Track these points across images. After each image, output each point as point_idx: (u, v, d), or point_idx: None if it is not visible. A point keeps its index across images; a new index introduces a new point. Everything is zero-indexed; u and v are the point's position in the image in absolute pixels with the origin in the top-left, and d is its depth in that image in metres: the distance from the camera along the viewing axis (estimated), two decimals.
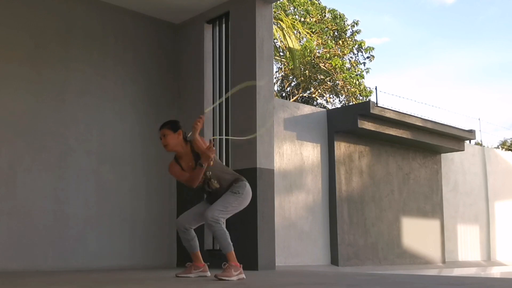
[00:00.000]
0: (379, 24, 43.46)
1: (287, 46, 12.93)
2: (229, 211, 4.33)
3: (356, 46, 17.63)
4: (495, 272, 10.88)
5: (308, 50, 15.27)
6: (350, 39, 17.58)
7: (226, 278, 4.12)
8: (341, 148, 9.48)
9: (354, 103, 16.76)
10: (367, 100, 15.54)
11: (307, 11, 17.01)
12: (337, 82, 16.95)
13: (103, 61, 6.60)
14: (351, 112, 9.44)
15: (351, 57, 17.68)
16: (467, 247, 12.29)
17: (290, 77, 17.58)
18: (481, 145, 16.69)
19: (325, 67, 16.58)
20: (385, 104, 10.87)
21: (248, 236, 5.97)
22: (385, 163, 10.33)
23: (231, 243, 4.29)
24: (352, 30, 17.78)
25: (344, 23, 17.51)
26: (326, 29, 16.95)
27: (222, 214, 4.28)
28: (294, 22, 15.01)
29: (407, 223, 10.59)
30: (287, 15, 16.52)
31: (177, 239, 6.88)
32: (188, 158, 4.42)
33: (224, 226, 4.31)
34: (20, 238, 5.70)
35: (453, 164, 12.11)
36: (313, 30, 16.41)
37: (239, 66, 6.41)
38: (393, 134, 9.91)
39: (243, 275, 4.28)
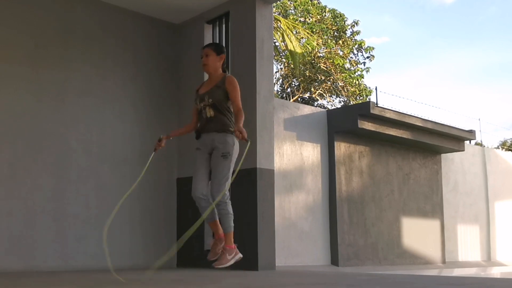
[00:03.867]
0: (379, 23, 43.48)
1: (287, 47, 12.93)
2: (230, 176, 4.21)
3: (356, 46, 17.63)
4: (495, 272, 10.87)
5: (310, 48, 15.26)
6: (350, 39, 17.59)
7: (223, 266, 4.16)
8: (341, 148, 9.48)
9: (354, 103, 16.76)
10: (367, 100, 15.54)
11: (308, 11, 17.02)
12: (337, 82, 16.95)
13: (103, 61, 6.60)
14: (351, 112, 9.45)
15: (351, 57, 17.69)
16: (467, 247, 12.29)
17: (290, 76, 17.57)
18: (481, 145, 16.69)
19: (325, 67, 16.58)
20: (385, 104, 10.88)
21: (248, 236, 5.97)
22: (385, 163, 10.33)
23: (233, 225, 4.23)
24: (352, 30, 17.79)
25: (344, 23, 17.51)
26: (326, 29, 16.95)
27: (227, 185, 4.17)
28: (295, 22, 15.01)
29: (407, 223, 10.59)
30: (287, 15, 16.52)
31: (177, 239, 6.87)
32: (211, 83, 4.38)
33: (230, 206, 4.23)
34: (20, 238, 5.70)
35: (453, 164, 12.11)
36: (314, 30, 16.41)
37: (239, 66, 6.41)
38: (393, 134, 9.91)
39: (239, 255, 4.27)
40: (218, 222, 4.30)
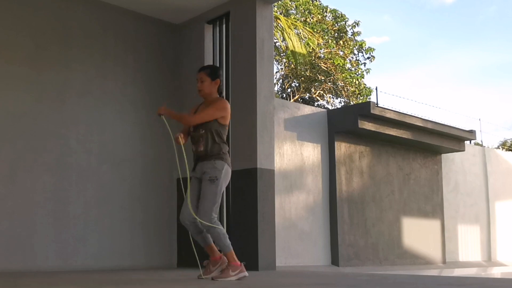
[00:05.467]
0: (379, 23, 43.46)
1: (287, 47, 12.92)
2: (217, 200, 4.22)
3: (357, 46, 17.62)
4: (496, 272, 10.87)
5: (311, 47, 15.26)
6: (350, 40, 17.58)
7: (222, 279, 4.10)
8: (342, 148, 9.48)
9: (354, 103, 16.76)
10: (368, 100, 15.53)
11: (309, 10, 17.01)
12: (338, 82, 16.94)
13: (103, 62, 6.60)
14: (352, 112, 9.44)
15: (351, 57, 17.68)
16: (468, 247, 12.28)
17: (291, 77, 17.56)
18: (481, 145, 16.68)
19: (326, 67, 16.58)
20: (385, 105, 10.87)
21: (249, 237, 5.96)
22: (386, 163, 10.33)
23: (230, 243, 4.23)
24: (353, 31, 17.79)
25: (345, 23, 17.51)
26: (327, 29, 16.95)
27: (214, 210, 4.20)
28: (296, 21, 14.99)
29: (407, 223, 10.59)
30: (289, 15, 16.51)
31: (178, 239, 6.87)
32: (204, 107, 4.43)
33: (219, 225, 4.22)
34: (20, 238, 5.70)
35: (454, 164, 12.11)
36: (315, 30, 16.41)
37: (240, 66, 6.41)
38: (394, 134, 9.91)
39: (244, 273, 4.20)
40: (213, 246, 4.35)
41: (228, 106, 4.40)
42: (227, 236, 4.26)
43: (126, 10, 6.85)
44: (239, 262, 4.20)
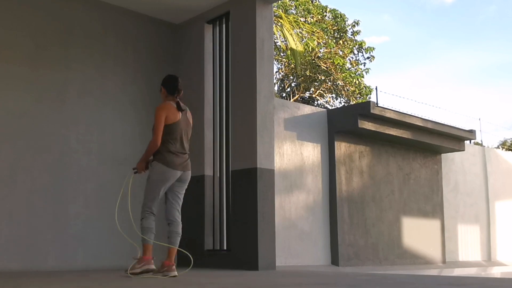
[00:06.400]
0: (379, 23, 43.49)
1: (288, 45, 12.92)
2: (150, 197, 4.78)
3: (357, 46, 17.62)
4: (496, 272, 10.87)
5: (310, 48, 15.25)
6: (350, 40, 17.58)
7: (128, 270, 4.54)
8: (342, 148, 9.48)
9: (354, 102, 16.76)
10: (368, 100, 15.53)
11: (308, 10, 17.01)
12: (337, 82, 16.94)
13: (103, 62, 6.60)
14: (352, 112, 9.44)
15: (351, 57, 17.68)
16: (468, 247, 12.28)
17: (291, 77, 17.57)
18: (481, 145, 16.69)
19: (326, 67, 16.58)
20: (385, 104, 10.86)
21: (249, 236, 5.97)
22: (386, 163, 10.32)
23: (149, 239, 4.66)
24: (353, 30, 17.79)
25: (344, 23, 17.51)
26: (327, 29, 16.95)
27: (148, 205, 4.78)
28: (297, 19, 14.99)
29: (407, 223, 10.59)
30: (288, 15, 16.53)
31: None
32: None
33: (146, 218, 4.75)
34: (20, 238, 5.70)
35: (454, 164, 12.11)
36: (314, 30, 16.41)
37: (239, 66, 6.41)
38: (394, 134, 9.90)
39: (147, 267, 4.57)
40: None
41: (162, 106, 4.75)
42: (151, 230, 4.74)
43: (126, 10, 6.86)
44: (149, 256, 4.62)
